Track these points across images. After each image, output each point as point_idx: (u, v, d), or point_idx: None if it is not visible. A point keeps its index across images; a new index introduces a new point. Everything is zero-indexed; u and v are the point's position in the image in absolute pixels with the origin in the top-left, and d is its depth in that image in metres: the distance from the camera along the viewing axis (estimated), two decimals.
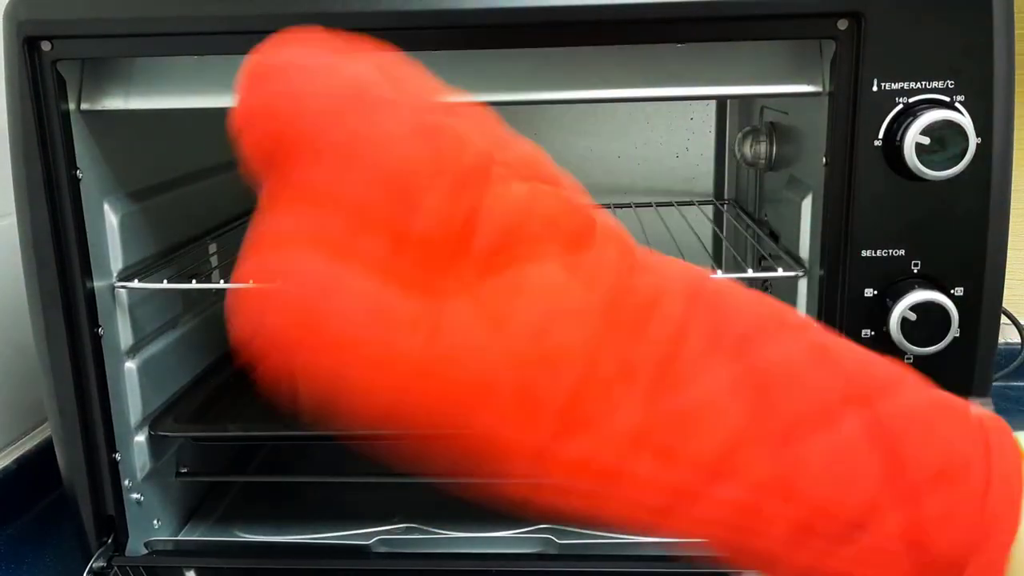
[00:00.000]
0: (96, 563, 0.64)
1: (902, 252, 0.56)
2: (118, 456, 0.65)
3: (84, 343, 0.62)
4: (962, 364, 0.57)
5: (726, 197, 0.98)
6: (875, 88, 0.54)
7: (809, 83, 0.58)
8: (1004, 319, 0.95)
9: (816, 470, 0.31)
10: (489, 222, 0.32)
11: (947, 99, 0.54)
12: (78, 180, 0.60)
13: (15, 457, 0.81)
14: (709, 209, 0.97)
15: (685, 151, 0.98)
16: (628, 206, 0.95)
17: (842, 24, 0.53)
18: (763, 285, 0.81)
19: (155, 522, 0.70)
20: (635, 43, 0.57)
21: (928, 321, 0.55)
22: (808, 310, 0.62)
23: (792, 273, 0.63)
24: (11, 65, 0.57)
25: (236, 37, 0.56)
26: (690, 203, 0.96)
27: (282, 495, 0.80)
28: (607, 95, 0.60)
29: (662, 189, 0.98)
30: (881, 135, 0.54)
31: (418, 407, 0.32)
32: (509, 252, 0.32)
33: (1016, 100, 0.55)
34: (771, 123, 0.79)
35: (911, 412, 0.34)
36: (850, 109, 0.55)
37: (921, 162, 0.53)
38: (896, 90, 0.54)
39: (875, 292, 0.57)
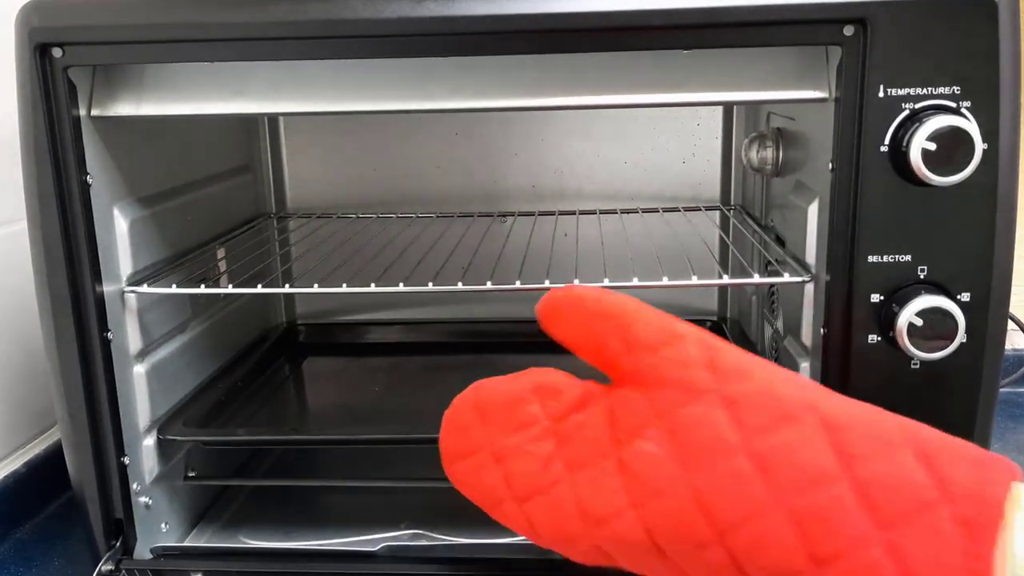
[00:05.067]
0: (104, 566, 0.64)
1: (908, 258, 0.56)
2: (127, 460, 0.65)
3: (93, 347, 0.62)
4: (969, 370, 0.57)
5: (732, 203, 0.98)
6: (881, 94, 0.54)
7: (815, 89, 0.58)
8: (1011, 324, 0.95)
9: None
10: None
11: (953, 105, 0.54)
12: (88, 186, 0.61)
13: (24, 460, 0.81)
14: (716, 214, 0.97)
15: (692, 156, 0.98)
16: (635, 211, 0.95)
17: (848, 30, 0.54)
18: (769, 290, 0.81)
19: (163, 526, 0.71)
20: (641, 49, 0.57)
21: (935, 327, 0.55)
22: (814, 315, 0.62)
23: (798, 278, 0.63)
24: (23, 71, 0.57)
25: (246, 44, 0.57)
26: (696, 208, 0.96)
27: (289, 500, 0.80)
28: (613, 101, 0.60)
29: (668, 194, 0.99)
30: (887, 141, 0.55)
31: None
32: None
33: (1023, 105, 0.55)
34: (778, 129, 0.79)
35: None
36: (856, 115, 0.55)
37: (927, 168, 0.53)
38: (902, 96, 0.54)
39: (881, 298, 0.57)
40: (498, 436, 0.45)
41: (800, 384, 0.42)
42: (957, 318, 0.55)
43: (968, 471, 0.37)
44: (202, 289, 0.70)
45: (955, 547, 0.36)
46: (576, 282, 0.67)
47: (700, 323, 0.99)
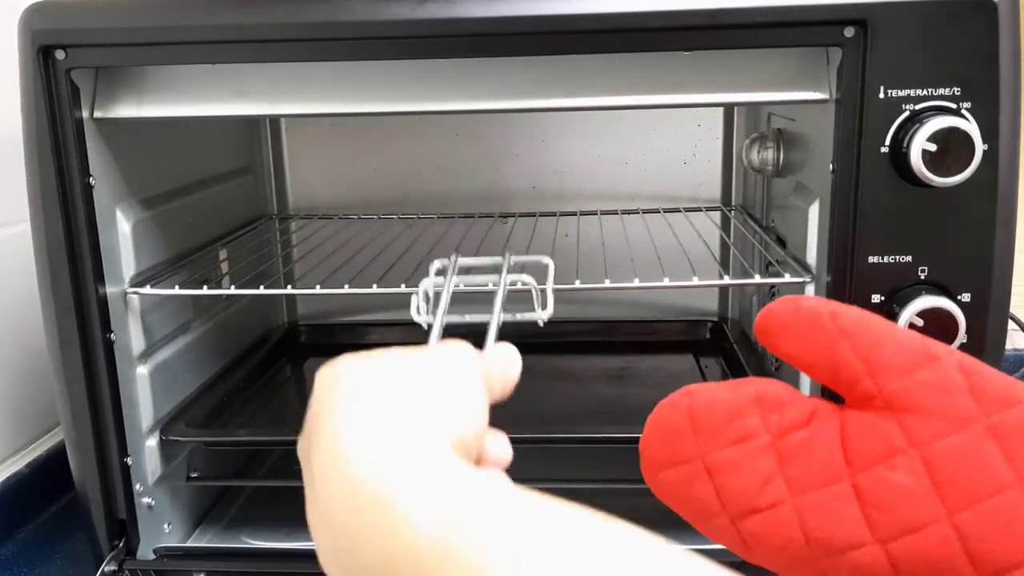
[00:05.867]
0: (107, 567, 0.64)
1: (909, 258, 0.56)
2: (129, 460, 0.65)
3: (96, 348, 0.62)
4: None
5: (733, 203, 0.99)
6: (882, 95, 0.54)
7: (816, 90, 0.58)
8: (1011, 324, 0.95)
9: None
10: None
11: (953, 106, 0.54)
12: (91, 187, 0.61)
13: (27, 461, 0.82)
14: (716, 215, 0.97)
15: (692, 157, 0.98)
16: (635, 212, 0.95)
17: (848, 31, 0.54)
18: (770, 291, 0.81)
19: (166, 526, 0.71)
20: (642, 51, 0.57)
21: (935, 327, 0.55)
22: None
23: (799, 279, 0.63)
24: (26, 73, 0.58)
25: (247, 46, 0.57)
26: (697, 209, 0.96)
27: (291, 500, 0.80)
28: (614, 103, 0.60)
29: (669, 195, 0.99)
30: (888, 142, 0.55)
31: None
32: None
33: (1023, 106, 0.55)
34: (778, 130, 0.79)
35: None
36: (857, 116, 0.55)
37: (928, 169, 0.53)
38: (903, 97, 0.54)
39: (882, 298, 0.57)
40: (712, 448, 0.41)
41: None
42: (957, 318, 0.55)
43: None
44: (204, 290, 0.70)
45: None
46: (577, 283, 0.67)
47: (701, 323, 0.99)
